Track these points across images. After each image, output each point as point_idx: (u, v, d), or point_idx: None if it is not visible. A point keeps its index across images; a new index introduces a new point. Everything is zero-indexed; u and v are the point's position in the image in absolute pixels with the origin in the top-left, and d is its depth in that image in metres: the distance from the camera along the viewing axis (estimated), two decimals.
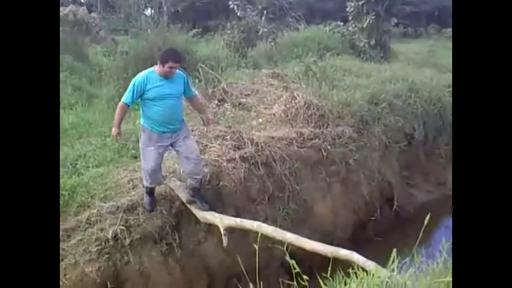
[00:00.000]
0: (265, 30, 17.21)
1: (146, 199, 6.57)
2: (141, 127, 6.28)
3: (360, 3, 17.37)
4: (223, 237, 6.27)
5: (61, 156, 7.53)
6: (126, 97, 6.02)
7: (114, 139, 6.23)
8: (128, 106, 6.13)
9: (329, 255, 4.60)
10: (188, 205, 6.60)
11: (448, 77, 13.45)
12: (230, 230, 6.33)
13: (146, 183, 6.47)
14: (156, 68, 6.05)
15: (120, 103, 6.10)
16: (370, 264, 4.19)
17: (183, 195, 6.61)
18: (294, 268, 3.02)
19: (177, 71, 6.13)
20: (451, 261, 3.21)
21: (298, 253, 5.20)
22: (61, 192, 6.31)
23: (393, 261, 3.07)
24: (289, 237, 5.55)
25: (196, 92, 6.71)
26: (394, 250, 3.10)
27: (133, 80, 6.04)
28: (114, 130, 6.18)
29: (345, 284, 3.05)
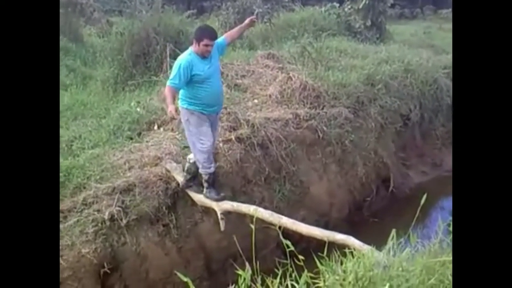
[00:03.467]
0: (261, 10, 17.06)
1: (213, 191, 6.41)
2: (185, 111, 6.06)
3: None
4: (220, 221, 6.30)
5: None
6: (174, 81, 5.79)
7: (171, 116, 5.81)
8: (177, 90, 5.93)
9: (326, 239, 4.61)
10: (185, 189, 6.61)
11: (444, 58, 13.47)
12: (227, 212, 6.35)
13: (207, 171, 6.29)
14: (193, 48, 5.93)
15: (167, 87, 5.85)
16: (366, 248, 4.21)
17: (180, 178, 6.61)
18: (288, 247, 3.02)
19: None
20: (447, 241, 3.23)
21: (294, 234, 5.24)
22: None
23: (392, 239, 3.08)
24: (286, 221, 5.58)
25: (223, 38, 6.42)
26: (393, 231, 3.11)
27: (177, 64, 5.86)
28: (171, 108, 5.72)
29: (342, 263, 3.06)
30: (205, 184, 6.37)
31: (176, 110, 5.89)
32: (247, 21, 6.60)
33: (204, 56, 5.91)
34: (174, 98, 5.96)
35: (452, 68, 2.92)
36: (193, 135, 6.11)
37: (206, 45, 5.83)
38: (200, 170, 6.32)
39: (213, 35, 5.92)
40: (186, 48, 6.17)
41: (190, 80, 5.85)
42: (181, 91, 6.06)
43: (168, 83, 5.87)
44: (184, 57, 5.90)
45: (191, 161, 6.43)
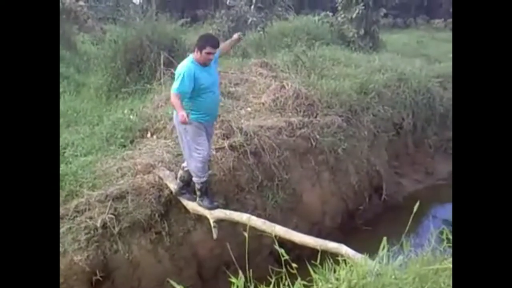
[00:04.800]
0: (254, 19, 17.13)
1: (206, 199, 6.39)
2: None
3: None
4: (213, 229, 6.30)
5: None
6: (180, 88, 5.71)
7: (184, 121, 5.63)
8: (183, 96, 5.78)
9: (318, 247, 4.61)
10: (178, 197, 6.60)
11: (437, 68, 13.56)
12: (220, 220, 6.35)
13: (200, 179, 6.25)
14: (194, 56, 5.90)
15: (173, 94, 5.73)
16: (358, 257, 4.21)
17: (173, 186, 6.60)
18: (283, 256, 3.02)
19: None
20: (440, 249, 3.24)
21: (287, 242, 5.24)
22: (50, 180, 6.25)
23: (383, 248, 3.09)
24: (279, 230, 5.58)
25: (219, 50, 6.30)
26: (384, 239, 3.11)
27: (180, 72, 5.78)
28: (183, 115, 5.56)
29: (335, 271, 3.06)
30: (198, 193, 6.36)
31: (188, 115, 5.72)
32: (235, 36, 6.72)
33: (205, 64, 5.90)
34: (182, 102, 5.79)
35: (452, 75, 2.93)
36: (189, 145, 6.07)
37: (208, 53, 5.81)
38: (194, 179, 6.30)
39: (215, 44, 5.92)
40: (180, 57, 6.17)
41: (195, 89, 5.81)
42: None
43: (173, 90, 5.76)
44: (185, 65, 5.85)
45: (184, 169, 6.42)
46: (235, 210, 6.62)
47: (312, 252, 4.55)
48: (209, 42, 5.87)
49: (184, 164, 6.45)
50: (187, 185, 6.52)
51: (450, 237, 3.18)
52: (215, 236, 6.33)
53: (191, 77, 5.73)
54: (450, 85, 12.55)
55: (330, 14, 18.40)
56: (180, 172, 6.52)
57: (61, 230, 6.01)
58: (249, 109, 9.21)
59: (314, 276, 3.02)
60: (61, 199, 6.49)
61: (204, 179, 6.28)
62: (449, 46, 17.17)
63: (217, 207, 6.41)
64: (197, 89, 5.83)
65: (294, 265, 3.07)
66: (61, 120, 9.62)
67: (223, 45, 6.72)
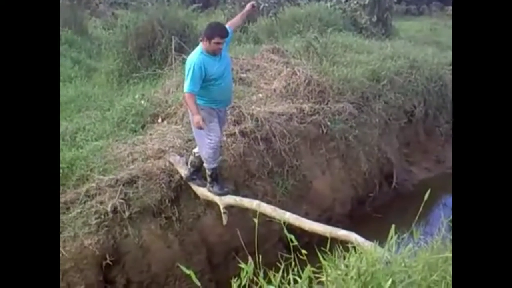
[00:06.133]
0: (266, 5, 17.01)
1: (216, 185, 6.37)
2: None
3: None
4: (222, 215, 6.32)
5: (60, 129, 7.51)
6: (191, 87, 5.68)
7: (199, 127, 5.72)
8: (196, 94, 5.77)
9: (328, 235, 4.61)
10: (188, 182, 6.61)
11: (450, 55, 13.40)
12: (230, 206, 6.36)
13: (211, 165, 6.23)
14: (203, 46, 5.81)
15: (186, 95, 5.73)
16: (368, 245, 4.20)
17: (183, 172, 6.61)
18: (292, 242, 3.02)
19: None
20: (449, 238, 3.22)
21: (297, 229, 5.24)
22: (60, 165, 6.28)
23: (392, 235, 3.07)
24: (289, 217, 5.58)
25: (228, 27, 6.17)
26: (393, 226, 3.10)
27: (189, 65, 5.74)
28: (198, 118, 5.66)
29: (344, 258, 3.06)
30: (209, 179, 6.36)
31: (204, 120, 5.72)
32: (248, 7, 6.55)
33: (215, 54, 5.83)
34: (196, 103, 5.80)
35: (452, 65, 2.91)
36: (200, 131, 5.99)
37: (217, 43, 5.72)
38: (204, 165, 6.30)
39: (224, 33, 5.80)
40: (191, 42, 6.13)
41: (205, 80, 5.77)
42: None
43: (185, 89, 5.73)
44: (195, 58, 5.78)
45: (196, 154, 6.42)
46: (245, 196, 6.63)
47: (322, 239, 4.54)
48: (217, 31, 5.77)
49: (195, 150, 6.45)
50: (197, 170, 6.53)
51: None
52: (224, 222, 6.35)
53: (201, 70, 5.68)
54: None
55: (343, 0, 18.24)
56: (191, 158, 6.52)
57: (71, 214, 6.07)
58: (260, 95, 9.18)
59: (324, 262, 3.02)
60: (71, 183, 6.55)
61: (215, 165, 6.27)
62: None
63: (227, 193, 6.40)
64: (208, 79, 5.79)
65: (303, 251, 3.07)
66: (72, 105, 9.69)
67: (235, 19, 6.61)
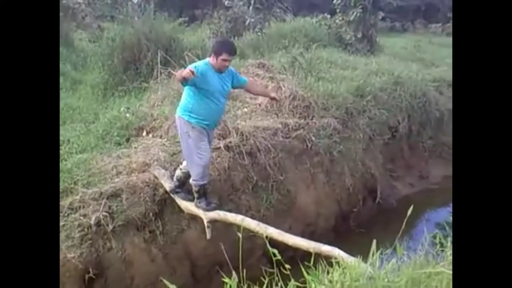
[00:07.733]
0: (252, 20, 17.15)
1: (203, 201, 6.33)
2: (186, 123, 5.91)
3: None
4: (206, 229, 6.30)
5: None
6: (193, 67, 5.52)
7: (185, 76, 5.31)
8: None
9: (312, 250, 4.61)
10: (172, 195, 6.60)
11: (434, 72, 13.58)
12: (214, 220, 6.35)
13: (199, 183, 6.17)
14: (210, 60, 5.82)
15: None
16: (351, 260, 4.21)
17: (167, 185, 6.60)
18: (275, 256, 3.02)
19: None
20: (432, 253, 3.25)
21: (281, 243, 5.25)
22: None
23: (375, 252, 3.09)
24: (272, 231, 5.59)
25: (245, 81, 6.46)
26: (374, 241, 3.12)
27: (192, 65, 5.73)
28: (180, 71, 5.39)
29: (328, 273, 3.07)
30: (196, 195, 6.31)
31: (193, 73, 5.39)
32: (272, 94, 6.79)
33: (220, 70, 5.83)
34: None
35: (452, 78, 2.94)
36: (190, 148, 5.99)
37: (224, 60, 5.73)
38: (191, 181, 6.25)
39: (232, 50, 5.80)
40: (177, 56, 6.14)
41: (198, 91, 5.76)
42: (183, 103, 5.97)
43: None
44: (199, 63, 5.83)
45: (183, 170, 6.40)
46: (229, 210, 6.62)
47: (306, 254, 4.56)
48: (225, 48, 5.78)
49: (183, 166, 6.43)
50: (182, 184, 6.52)
51: (443, 241, 3.19)
52: (208, 236, 6.33)
53: (203, 73, 5.64)
54: (445, 90, 12.61)
55: (328, 16, 18.39)
56: (178, 172, 6.50)
57: None
58: (245, 109, 9.21)
59: (307, 277, 3.03)
60: None
61: (204, 182, 6.26)
62: (446, 51, 17.17)
63: (214, 208, 6.37)
64: (203, 89, 5.76)
65: (287, 266, 3.07)
66: None
67: (255, 85, 6.64)
